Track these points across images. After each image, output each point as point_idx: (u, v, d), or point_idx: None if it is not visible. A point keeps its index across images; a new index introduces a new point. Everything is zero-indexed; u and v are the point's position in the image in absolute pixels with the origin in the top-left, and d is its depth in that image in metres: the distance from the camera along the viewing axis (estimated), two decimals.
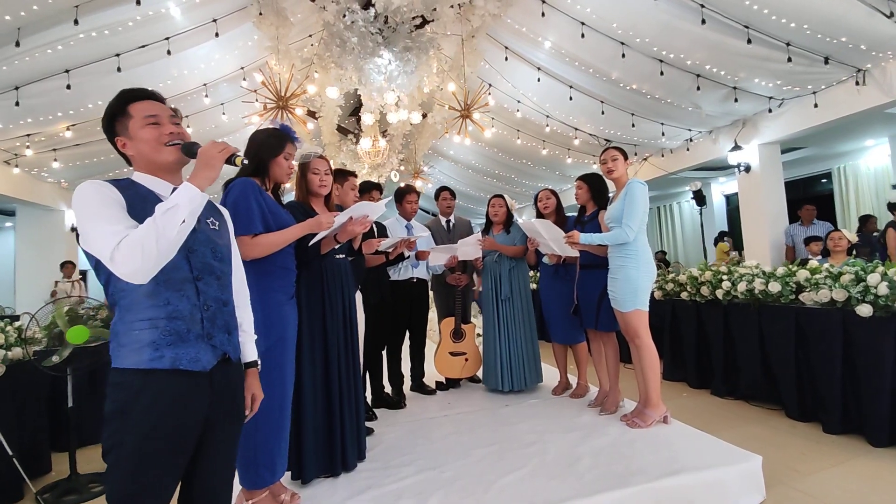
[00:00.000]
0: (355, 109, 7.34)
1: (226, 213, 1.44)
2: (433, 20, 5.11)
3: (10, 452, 2.43)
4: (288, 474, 2.13)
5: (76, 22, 3.82)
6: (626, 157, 2.80)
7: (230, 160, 1.16)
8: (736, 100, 5.31)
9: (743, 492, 2.12)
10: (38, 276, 7.16)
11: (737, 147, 6.08)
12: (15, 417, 2.63)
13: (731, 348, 3.73)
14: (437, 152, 9.23)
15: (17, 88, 4.50)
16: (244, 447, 1.78)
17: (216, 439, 1.24)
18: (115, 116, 1.21)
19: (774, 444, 2.79)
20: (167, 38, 4.54)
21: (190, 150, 1.19)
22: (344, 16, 4.67)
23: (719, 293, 3.70)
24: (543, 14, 4.73)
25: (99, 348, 2.69)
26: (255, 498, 1.89)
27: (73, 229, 7.58)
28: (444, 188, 3.98)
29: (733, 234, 8.62)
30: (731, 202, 9.74)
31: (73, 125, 5.32)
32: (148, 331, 1.12)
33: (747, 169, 6.20)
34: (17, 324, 2.93)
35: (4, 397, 2.57)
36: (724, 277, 3.68)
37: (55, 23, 3.93)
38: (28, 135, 5.36)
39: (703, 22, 4.17)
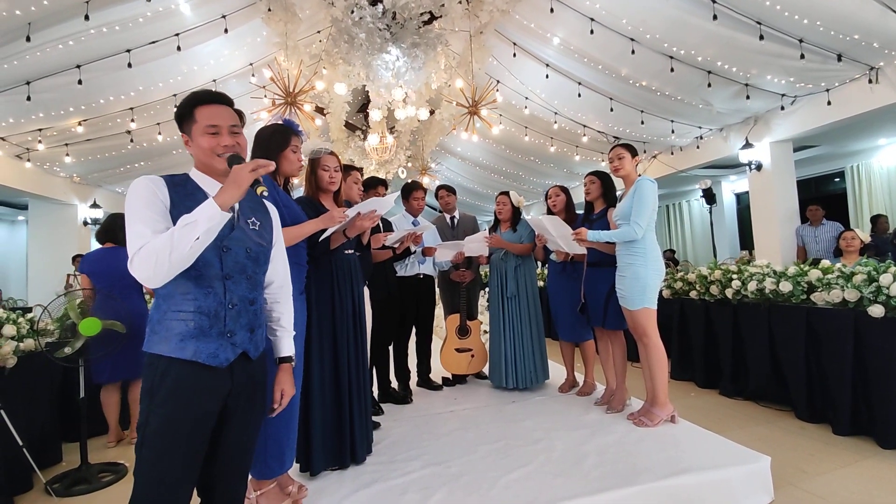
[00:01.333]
0: (363, 106, 7.34)
1: (273, 212, 1.46)
2: (441, 16, 5.10)
3: (21, 442, 2.46)
4: (296, 466, 2.15)
5: (87, 17, 3.86)
6: (634, 154, 2.78)
7: (253, 184, 1.19)
8: (748, 97, 5.24)
9: (750, 492, 2.11)
10: (49, 269, 7.24)
11: (748, 145, 6.01)
12: (26, 408, 2.67)
13: (740, 348, 3.69)
14: (445, 149, 9.21)
15: (28, 83, 4.54)
16: None
17: (234, 430, 1.28)
18: (184, 117, 1.29)
19: (783, 444, 2.76)
20: (177, 34, 4.58)
21: (230, 163, 1.24)
22: (352, 12, 4.66)
23: (729, 292, 3.67)
24: (552, 10, 4.69)
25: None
26: (263, 488, 1.91)
27: (86, 223, 7.66)
28: (441, 186, 3.97)
29: (743, 234, 8.52)
30: (742, 201, 9.64)
31: (84, 120, 5.37)
32: (177, 322, 1.19)
33: (759, 167, 6.12)
34: (29, 315, 2.97)
35: (16, 388, 2.60)
36: (734, 277, 3.65)
37: (65, 18, 3.97)
38: (40, 129, 5.42)
39: (715, 18, 4.12)
